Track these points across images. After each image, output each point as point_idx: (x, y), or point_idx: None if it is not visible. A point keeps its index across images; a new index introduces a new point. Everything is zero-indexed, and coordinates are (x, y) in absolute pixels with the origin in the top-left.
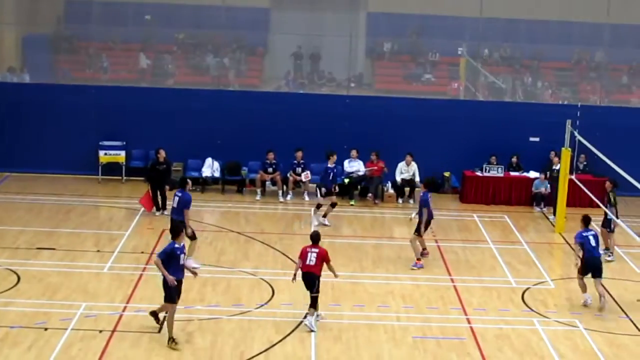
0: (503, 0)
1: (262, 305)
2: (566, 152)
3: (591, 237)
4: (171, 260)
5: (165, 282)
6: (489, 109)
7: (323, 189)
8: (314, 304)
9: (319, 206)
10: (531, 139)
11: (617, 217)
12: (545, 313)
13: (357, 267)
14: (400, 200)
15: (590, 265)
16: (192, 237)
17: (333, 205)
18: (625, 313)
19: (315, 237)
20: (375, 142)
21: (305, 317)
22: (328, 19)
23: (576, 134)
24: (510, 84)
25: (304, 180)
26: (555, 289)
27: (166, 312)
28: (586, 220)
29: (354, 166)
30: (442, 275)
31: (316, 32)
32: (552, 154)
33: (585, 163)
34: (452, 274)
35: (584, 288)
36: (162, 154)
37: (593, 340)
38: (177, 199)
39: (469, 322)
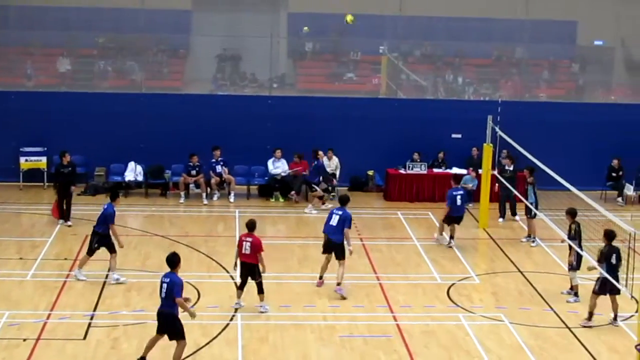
0: None
1: None
2: (488, 148)
3: (458, 197)
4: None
5: (177, 321)
6: (411, 106)
7: (322, 184)
8: (260, 290)
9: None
10: (453, 135)
11: (536, 204)
12: (470, 308)
13: (282, 267)
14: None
15: (454, 218)
16: (98, 251)
17: (321, 197)
18: (550, 306)
19: (249, 225)
20: (299, 141)
21: (261, 306)
22: (249, 19)
23: (497, 129)
24: (431, 82)
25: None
26: (480, 284)
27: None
28: (456, 179)
29: (279, 167)
30: (368, 273)
31: (237, 33)
32: (474, 150)
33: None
34: (378, 272)
35: (441, 230)
36: (67, 157)
37: (518, 334)
38: (102, 211)
39: (395, 320)
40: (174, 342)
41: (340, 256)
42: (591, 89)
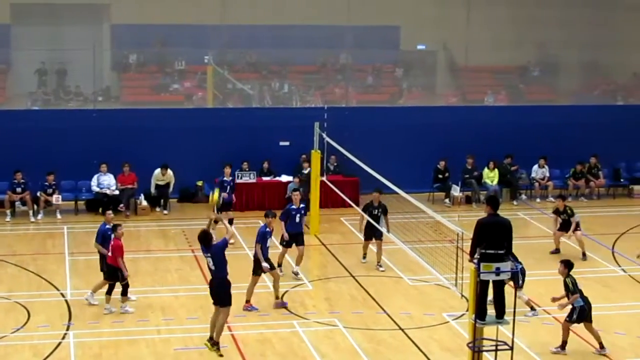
0: (244, 7)
1: (18, 329)
2: (316, 155)
3: (298, 215)
4: None
5: (228, 285)
6: (238, 116)
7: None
8: (124, 292)
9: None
10: (281, 143)
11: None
12: (304, 314)
13: None
14: (158, 209)
15: (291, 235)
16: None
17: (230, 221)
18: (383, 308)
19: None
20: (127, 154)
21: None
22: (71, 32)
23: (324, 135)
24: (258, 90)
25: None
26: (313, 290)
27: None
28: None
29: (105, 180)
30: (200, 284)
31: (60, 47)
32: (303, 157)
33: (335, 164)
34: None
35: (281, 259)
36: None
37: (353, 338)
38: None
39: (230, 329)
40: None
41: (268, 269)
42: (415, 93)
